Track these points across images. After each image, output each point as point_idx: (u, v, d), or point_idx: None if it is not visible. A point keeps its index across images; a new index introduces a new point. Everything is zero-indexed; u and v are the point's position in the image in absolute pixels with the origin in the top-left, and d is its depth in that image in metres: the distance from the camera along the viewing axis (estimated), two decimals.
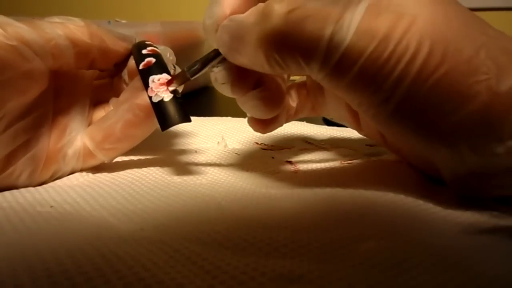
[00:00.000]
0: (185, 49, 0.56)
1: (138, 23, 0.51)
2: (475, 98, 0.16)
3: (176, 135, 0.34)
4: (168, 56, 0.27)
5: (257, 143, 0.33)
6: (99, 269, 0.14)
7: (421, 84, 0.16)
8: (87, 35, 0.23)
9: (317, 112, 0.27)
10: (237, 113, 0.38)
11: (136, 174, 0.25)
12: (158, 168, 0.26)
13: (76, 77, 0.26)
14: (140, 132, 0.25)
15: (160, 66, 0.24)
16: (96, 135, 0.25)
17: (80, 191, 0.22)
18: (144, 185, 0.23)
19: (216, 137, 0.34)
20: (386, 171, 0.25)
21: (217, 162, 0.28)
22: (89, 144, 0.25)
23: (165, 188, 0.23)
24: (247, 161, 0.28)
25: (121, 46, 0.26)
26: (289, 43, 0.17)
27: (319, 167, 0.27)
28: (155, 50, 0.26)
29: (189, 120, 0.23)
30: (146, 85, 0.23)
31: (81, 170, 0.26)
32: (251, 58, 0.19)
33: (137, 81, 0.24)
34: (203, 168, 0.27)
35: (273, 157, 0.29)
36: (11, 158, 0.22)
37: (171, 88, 0.23)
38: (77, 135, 0.25)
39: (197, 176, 0.25)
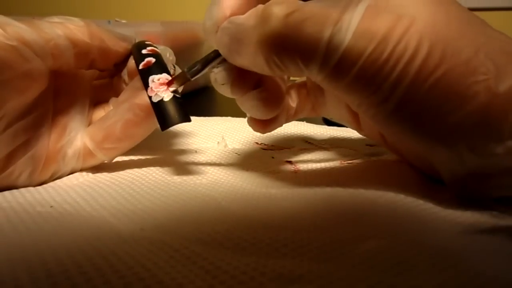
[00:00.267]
0: (185, 49, 0.56)
1: (138, 23, 0.51)
2: (474, 99, 0.16)
3: (176, 135, 0.34)
4: (168, 56, 0.27)
5: (257, 143, 0.33)
6: (99, 269, 0.14)
7: (420, 84, 0.16)
8: (87, 35, 0.23)
9: (317, 113, 0.27)
10: (237, 113, 0.38)
11: (136, 174, 0.25)
12: (158, 168, 0.26)
13: (76, 77, 0.26)
14: (140, 132, 0.25)
15: (160, 66, 0.24)
16: (96, 134, 0.25)
17: (80, 191, 0.22)
18: (144, 185, 0.23)
19: (216, 137, 0.34)
20: (386, 171, 0.25)
21: (217, 162, 0.28)
22: (89, 143, 0.25)
23: (165, 188, 0.23)
24: (247, 161, 0.28)
25: (121, 46, 0.26)
26: (288, 45, 0.17)
27: (319, 167, 0.27)
28: (155, 50, 0.26)
29: (189, 120, 0.23)
30: (146, 85, 0.23)
31: (81, 170, 0.26)
32: (250, 60, 0.19)
33: (137, 81, 0.24)
34: (203, 168, 0.27)
35: (273, 157, 0.29)
36: (11, 158, 0.22)
37: (171, 89, 0.23)
38: (77, 135, 0.25)
39: (197, 176, 0.25)
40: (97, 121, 0.26)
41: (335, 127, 0.36)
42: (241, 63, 0.20)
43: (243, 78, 0.21)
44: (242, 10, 0.19)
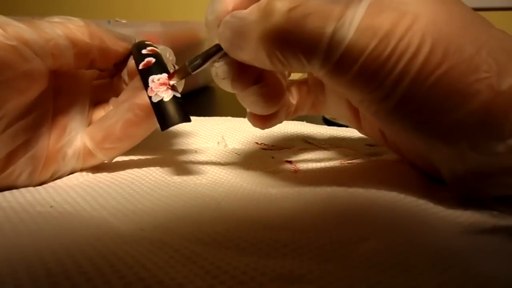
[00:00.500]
0: (185, 49, 0.56)
1: (138, 23, 0.51)
2: (475, 97, 0.16)
3: (176, 135, 0.34)
4: (168, 56, 0.27)
5: (257, 143, 0.33)
6: (99, 269, 0.14)
7: (422, 81, 0.16)
8: (87, 35, 0.23)
9: (317, 110, 0.27)
10: (237, 113, 0.38)
11: (136, 174, 0.25)
12: (158, 168, 0.26)
13: (76, 77, 0.26)
14: (140, 132, 0.25)
15: (160, 66, 0.24)
16: (96, 134, 0.25)
17: (80, 191, 0.22)
18: (144, 185, 0.23)
19: (216, 137, 0.34)
20: (386, 171, 0.25)
21: (217, 162, 0.28)
22: (89, 143, 0.25)
23: (165, 188, 0.23)
24: (247, 161, 0.28)
25: (121, 46, 0.26)
26: (291, 40, 0.17)
27: (319, 167, 0.27)
28: (155, 50, 0.26)
29: (189, 120, 0.23)
30: (146, 85, 0.23)
31: (81, 170, 0.26)
32: (252, 55, 0.19)
33: (137, 81, 0.24)
34: (203, 168, 0.27)
35: (273, 157, 0.29)
36: (11, 158, 0.22)
37: (171, 83, 0.23)
38: (77, 135, 0.25)
39: (197, 176, 0.25)
40: (97, 121, 0.26)
41: (335, 127, 0.36)
42: (242, 58, 0.20)
43: (243, 73, 0.21)
44: (244, 5, 0.19)
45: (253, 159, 0.29)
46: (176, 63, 0.27)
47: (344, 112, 0.26)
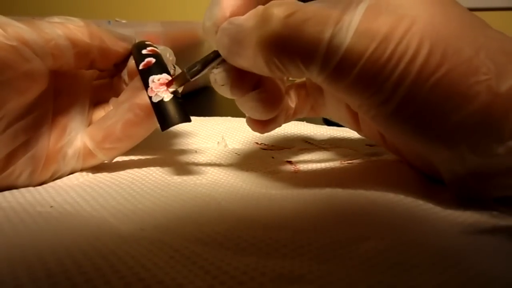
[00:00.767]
0: (185, 49, 0.56)
1: (138, 23, 0.51)
2: (475, 99, 0.16)
3: (176, 135, 0.34)
4: (168, 56, 0.27)
5: (257, 143, 0.33)
6: (99, 269, 0.14)
7: (421, 84, 0.16)
8: (87, 35, 0.23)
9: (316, 113, 0.27)
10: (237, 113, 0.38)
11: (136, 174, 0.25)
12: (158, 168, 0.26)
13: (76, 77, 0.26)
14: (140, 132, 0.25)
15: (160, 66, 0.24)
16: (96, 134, 0.25)
17: (80, 191, 0.22)
18: (144, 185, 0.23)
19: (216, 137, 0.34)
20: (386, 171, 0.25)
21: (217, 162, 0.28)
22: (89, 143, 0.25)
23: (165, 188, 0.23)
24: (247, 161, 0.28)
25: (121, 46, 0.26)
26: (288, 47, 0.17)
27: (319, 167, 0.27)
28: (155, 50, 0.26)
29: (189, 120, 0.23)
30: (146, 85, 0.24)
31: (81, 170, 0.26)
32: (250, 61, 0.19)
33: (137, 81, 0.24)
34: (203, 168, 0.27)
35: (273, 157, 0.29)
36: (11, 158, 0.22)
37: (171, 89, 0.23)
38: (77, 135, 0.25)
39: (197, 176, 0.25)
40: (97, 121, 0.26)
41: (335, 127, 0.36)
42: (241, 65, 0.20)
43: (242, 79, 0.21)
44: (242, 11, 0.19)
45: (253, 159, 0.29)
46: (176, 63, 0.27)
47: (343, 114, 0.26)
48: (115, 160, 0.27)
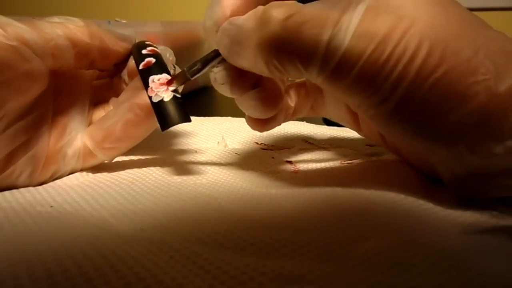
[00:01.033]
0: (185, 49, 0.56)
1: (138, 23, 0.51)
2: (473, 99, 0.16)
3: (176, 135, 0.34)
4: (168, 56, 0.27)
5: (257, 143, 0.33)
6: (99, 269, 0.14)
7: (420, 84, 0.16)
8: (87, 35, 0.23)
9: (316, 112, 0.27)
10: (237, 113, 0.38)
11: (136, 174, 0.25)
12: (158, 168, 0.26)
13: (76, 77, 0.26)
14: (140, 132, 0.25)
15: (160, 66, 0.24)
16: (96, 134, 0.25)
17: (80, 191, 0.22)
18: (144, 185, 0.23)
19: (216, 137, 0.34)
20: (386, 171, 0.25)
21: (217, 162, 0.28)
22: (89, 143, 0.25)
23: (165, 188, 0.23)
24: (247, 161, 0.28)
25: (121, 46, 0.26)
26: (288, 48, 0.17)
27: (319, 167, 0.27)
28: (155, 50, 0.26)
29: (189, 120, 0.23)
30: (146, 85, 0.24)
31: (81, 170, 0.26)
32: (250, 62, 0.19)
33: (137, 81, 0.24)
34: (203, 168, 0.27)
35: (273, 157, 0.29)
36: (11, 158, 0.22)
37: (171, 88, 0.23)
38: (77, 135, 0.25)
39: (197, 176, 0.25)
40: (97, 121, 0.26)
41: (335, 127, 0.36)
42: (241, 65, 0.20)
43: (242, 78, 0.21)
44: (242, 10, 0.19)
45: (253, 159, 0.29)
46: (176, 63, 0.27)
47: (343, 114, 0.26)
48: (115, 160, 0.27)
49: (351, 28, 0.16)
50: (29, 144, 0.23)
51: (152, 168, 0.26)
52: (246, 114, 0.24)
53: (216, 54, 0.21)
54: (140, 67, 0.24)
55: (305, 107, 0.27)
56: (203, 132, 0.35)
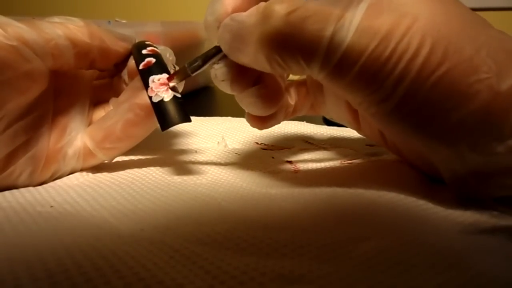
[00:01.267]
0: (185, 49, 0.56)
1: (138, 23, 0.51)
2: (475, 97, 0.16)
3: (176, 135, 0.34)
4: (168, 56, 0.27)
5: (257, 143, 0.33)
6: (99, 269, 0.14)
7: (422, 82, 0.16)
8: (87, 35, 0.23)
9: (316, 111, 0.27)
10: (237, 113, 0.38)
11: (136, 174, 0.25)
12: (158, 168, 0.26)
13: (76, 77, 0.26)
14: (140, 132, 0.25)
15: (160, 66, 0.24)
16: (96, 134, 0.25)
17: (80, 191, 0.22)
18: (144, 185, 0.23)
19: (216, 137, 0.34)
20: (386, 171, 0.25)
21: (217, 162, 0.28)
22: (89, 143, 0.25)
23: (165, 188, 0.23)
24: (247, 161, 0.28)
25: (121, 46, 0.26)
26: (290, 44, 0.17)
27: (319, 167, 0.27)
28: (155, 50, 0.26)
29: (189, 120, 0.23)
30: (146, 85, 0.24)
31: (81, 170, 0.26)
32: (252, 58, 0.19)
33: (137, 81, 0.24)
34: (203, 168, 0.27)
35: (273, 157, 0.29)
36: (11, 158, 0.22)
37: (171, 84, 0.23)
38: (77, 135, 0.25)
39: (197, 176, 0.25)
40: (97, 121, 0.26)
41: (335, 127, 0.36)
42: (242, 61, 0.20)
43: (243, 75, 0.21)
44: (244, 6, 0.19)
45: (253, 159, 0.29)
46: (176, 63, 0.27)
47: (343, 113, 0.26)
48: (115, 160, 0.27)
49: (354, 24, 0.16)
50: (29, 144, 0.23)
51: (152, 168, 0.26)
52: (246, 111, 0.24)
53: (217, 50, 0.21)
54: (140, 67, 0.24)
55: (305, 105, 0.27)
56: (203, 132, 0.35)
